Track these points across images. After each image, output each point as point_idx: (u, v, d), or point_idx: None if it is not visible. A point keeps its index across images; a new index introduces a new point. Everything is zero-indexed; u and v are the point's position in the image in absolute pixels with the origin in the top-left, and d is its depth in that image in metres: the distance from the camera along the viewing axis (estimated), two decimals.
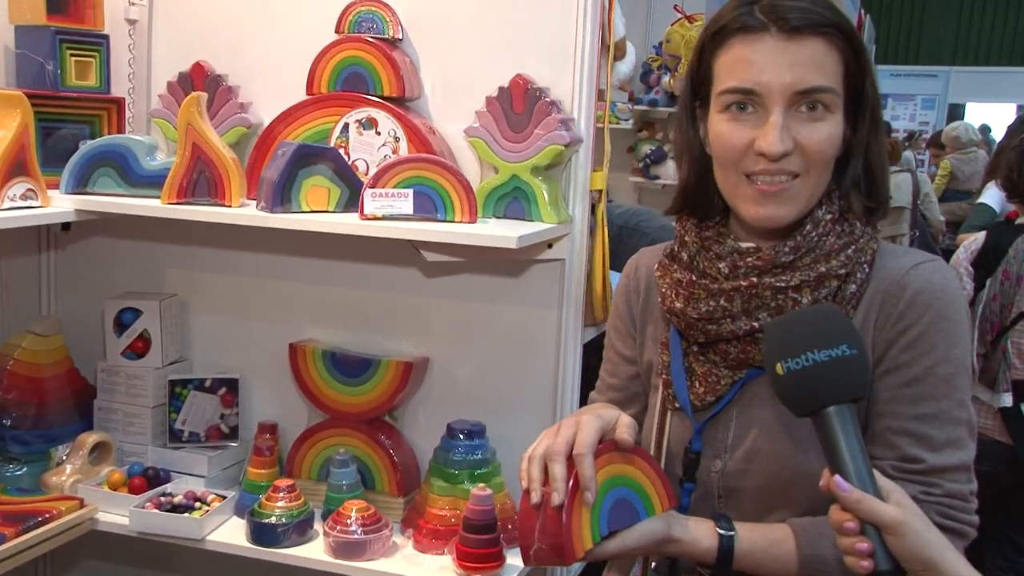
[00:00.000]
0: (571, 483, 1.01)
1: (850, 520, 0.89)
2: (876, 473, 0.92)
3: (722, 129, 1.10)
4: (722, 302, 1.11)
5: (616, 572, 1.36)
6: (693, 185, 1.19)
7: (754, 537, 1.07)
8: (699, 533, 1.07)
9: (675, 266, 1.19)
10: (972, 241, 2.76)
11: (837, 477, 0.90)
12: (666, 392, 1.20)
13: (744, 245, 1.15)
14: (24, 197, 1.66)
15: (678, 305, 1.16)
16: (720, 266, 1.14)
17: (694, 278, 1.15)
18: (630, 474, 1.07)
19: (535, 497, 1.02)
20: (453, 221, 1.65)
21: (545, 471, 1.04)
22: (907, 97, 12.29)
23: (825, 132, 1.07)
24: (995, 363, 2.59)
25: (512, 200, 1.74)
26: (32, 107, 1.75)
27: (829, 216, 1.11)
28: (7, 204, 1.62)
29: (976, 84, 12.29)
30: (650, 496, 1.08)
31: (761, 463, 1.12)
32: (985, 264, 2.67)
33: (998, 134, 7.18)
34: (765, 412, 1.13)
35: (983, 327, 2.61)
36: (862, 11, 7.93)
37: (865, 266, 1.11)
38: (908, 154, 6.11)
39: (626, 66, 3.48)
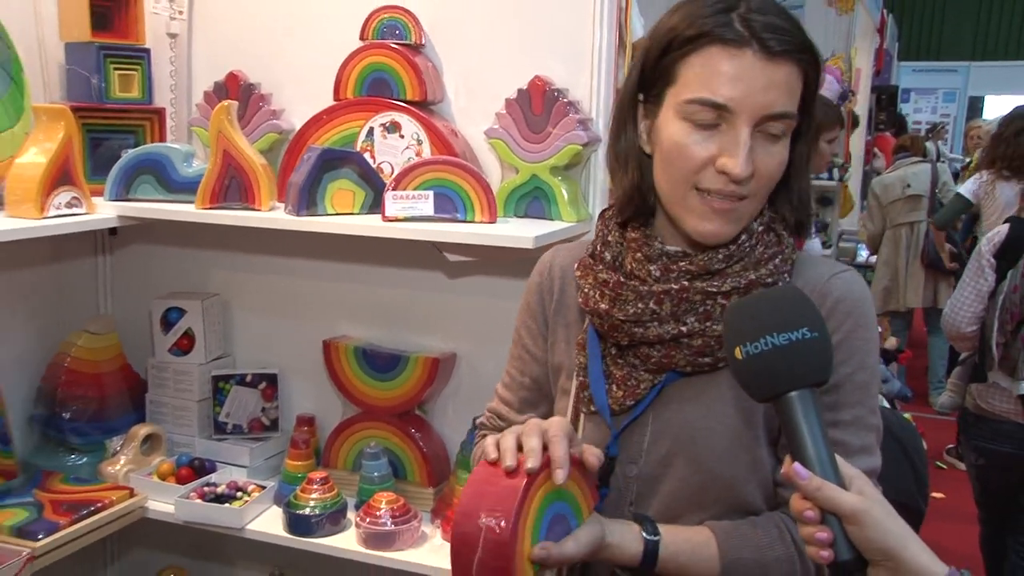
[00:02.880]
0: (516, 511, 0.87)
1: (810, 509, 0.78)
2: (840, 459, 0.81)
3: (681, 139, 0.96)
4: (651, 304, 1.00)
5: None
6: (640, 188, 1.05)
7: (678, 541, 0.99)
8: (625, 538, 0.98)
9: (600, 266, 1.07)
10: (995, 233, 2.62)
11: (796, 465, 0.79)
12: (580, 395, 1.09)
13: (671, 249, 1.04)
14: (69, 205, 1.62)
15: (603, 306, 1.04)
16: (651, 268, 1.03)
17: (621, 279, 1.03)
18: (566, 486, 0.93)
19: (509, 461, 0.89)
20: (473, 221, 1.55)
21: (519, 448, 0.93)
22: (929, 91, 12.11)
23: (779, 158, 0.98)
24: (1015, 352, 2.47)
25: (532, 200, 1.64)
26: (80, 119, 1.73)
27: (760, 228, 1.03)
28: (53, 212, 1.58)
29: (995, 78, 12.02)
30: (578, 502, 0.97)
31: (676, 468, 1.03)
32: (1007, 256, 2.54)
33: None
34: (681, 417, 1.03)
35: (1003, 317, 2.49)
36: (885, 10, 7.66)
37: (786, 275, 1.03)
38: (929, 145, 5.87)
39: None
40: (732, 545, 0.99)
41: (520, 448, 0.91)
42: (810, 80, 0.98)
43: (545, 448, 0.91)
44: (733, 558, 0.99)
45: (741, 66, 0.92)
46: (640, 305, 1.01)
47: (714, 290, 0.99)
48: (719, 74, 0.93)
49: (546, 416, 1.13)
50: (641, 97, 1.03)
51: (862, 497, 0.78)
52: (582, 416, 1.09)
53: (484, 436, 1.24)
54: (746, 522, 1.01)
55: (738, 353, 0.83)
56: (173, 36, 1.90)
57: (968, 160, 6.73)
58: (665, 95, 0.98)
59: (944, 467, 4.48)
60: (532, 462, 0.89)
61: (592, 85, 1.62)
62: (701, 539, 1.00)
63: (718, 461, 1.01)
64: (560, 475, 0.89)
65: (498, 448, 0.91)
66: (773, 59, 0.93)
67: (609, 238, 1.08)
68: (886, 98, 6.68)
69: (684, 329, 1.00)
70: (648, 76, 1.01)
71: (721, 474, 1.01)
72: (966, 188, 4.28)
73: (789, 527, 1.00)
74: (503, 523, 0.86)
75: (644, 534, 0.98)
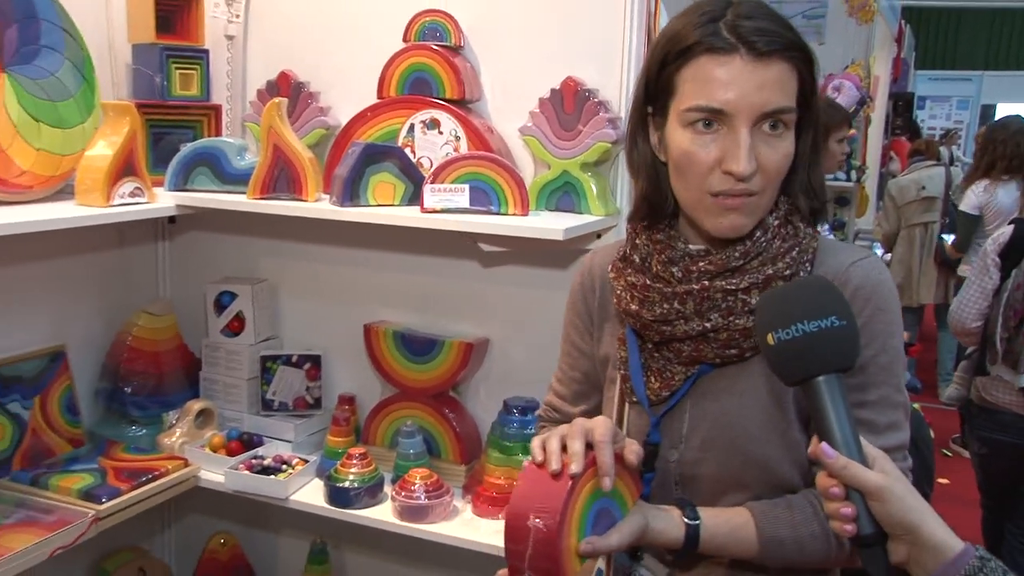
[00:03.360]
0: (562, 512, 0.87)
1: (836, 486, 0.79)
2: (863, 441, 0.81)
3: (688, 146, 0.95)
4: (676, 305, 0.99)
5: None
6: (651, 195, 1.04)
7: (718, 523, 0.98)
8: (668, 523, 0.97)
9: (629, 269, 1.06)
10: (1000, 234, 2.57)
11: (823, 444, 0.79)
12: (624, 386, 1.08)
13: (693, 248, 1.02)
14: (132, 195, 1.61)
15: (633, 307, 1.03)
16: (673, 270, 1.01)
17: (648, 282, 1.02)
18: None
19: (555, 465, 0.89)
20: (507, 214, 1.51)
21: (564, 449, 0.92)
22: (943, 99, 12.05)
23: (783, 151, 0.95)
24: (1018, 346, 2.42)
25: (563, 194, 1.59)
26: (144, 115, 1.72)
27: (776, 222, 1.00)
28: (117, 200, 1.57)
29: (1006, 86, 12.00)
30: (623, 495, 0.95)
31: (715, 452, 1.02)
32: (1011, 256, 2.48)
33: None
34: (717, 405, 1.02)
35: (1007, 313, 2.44)
36: (903, 21, 7.47)
37: (807, 264, 1.00)
38: (943, 149, 5.72)
39: None
40: (769, 524, 0.98)
41: (565, 449, 0.90)
42: (804, 75, 0.96)
43: (590, 447, 0.90)
44: (770, 536, 0.97)
45: (732, 71, 0.91)
46: (666, 306, 1.00)
47: (733, 287, 0.97)
48: (712, 81, 0.92)
49: (597, 406, 1.12)
50: (650, 110, 1.02)
51: (884, 475, 0.78)
52: (627, 405, 1.08)
53: (543, 428, 1.24)
54: (782, 501, 0.99)
55: (770, 339, 0.82)
56: (230, 38, 1.88)
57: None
58: (669, 106, 0.98)
59: (950, 455, 4.38)
60: (576, 467, 0.88)
61: (621, 86, 1.57)
62: (740, 520, 0.99)
63: (754, 444, 1.00)
64: (607, 483, 0.89)
65: (545, 450, 0.91)
66: (762, 60, 0.91)
67: (637, 241, 1.06)
68: (902, 104, 6.53)
69: (709, 325, 0.98)
70: (652, 90, 1.00)
71: (757, 456, 1.00)
72: (969, 204, 4.11)
73: (822, 504, 0.97)
74: (550, 523, 0.87)
75: (685, 519, 0.98)
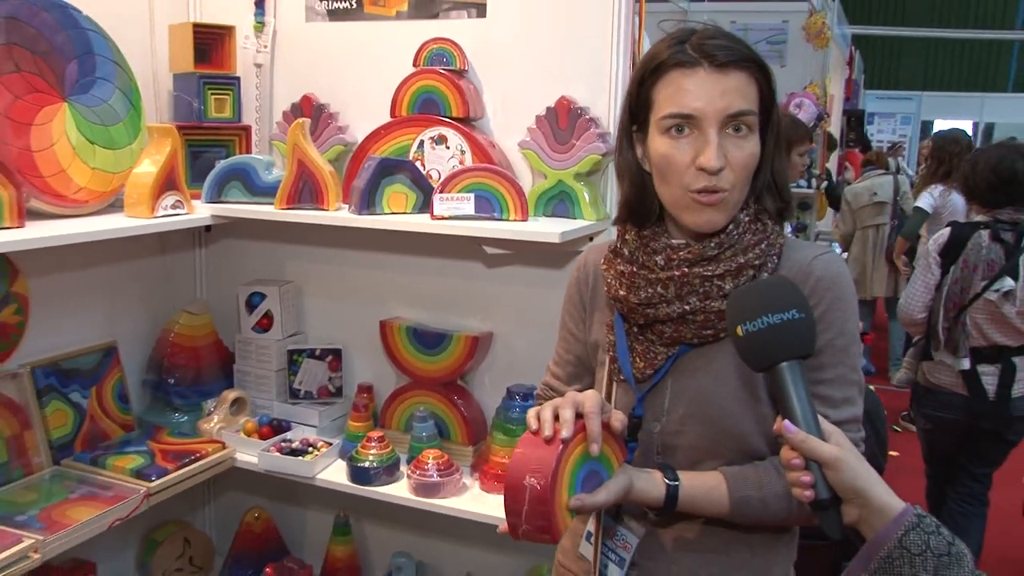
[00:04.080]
0: (553, 474, 0.88)
1: (796, 457, 0.81)
2: (820, 418, 0.83)
3: (665, 150, 0.97)
4: (659, 289, 1.01)
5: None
6: (635, 198, 1.05)
7: (695, 484, 0.99)
8: (651, 484, 0.99)
9: (618, 260, 1.07)
10: (940, 235, 2.56)
11: (786, 422, 0.81)
12: (611, 366, 1.08)
13: (676, 242, 1.04)
14: (174, 207, 1.59)
15: (621, 292, 1.04)
16: (657, 259, 1.03)
17: (635, 269, 1.04)
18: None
19: (547, 431, 0.90)
20: (508, 220, 1.49)
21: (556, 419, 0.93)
22: (889, 115, 12.24)
23: (749, 150, 0.97)
24: (956, 334, 2.44)
25: (559, 202, 1.57)
26: (183, 135, 1.71)
27: (747, 218, 1.01)
28: (161, 212, 1.56)
29: (942, 105, 12.38)
30: (609, 459, 0.96)
31: (693, 425, 1.02)
32: (950, 254, 2.49)
33: None
34: (695, 382, 1.02)
35: (947, 305, 2.45)
36: (853, 47, 7.45)
37: (775, 257, 1.01)
38: (891, 160, 5.70)
39: None
40: (739, 486, 0.99)
41: (557, 418, 0.92)
42: (762, 84, 0.98)
43: (579, 417, 0.92)
44: (740, 496, 0.99)
45: (697, 81, 0.94)
46: (650, 290, 1.01)
47: (709, 274, 0.98)
48: (681, 91, 0.95)
49: (588, 387, 1.12)
50: (634, 128, 1.03)
51: (839, 448, 0.80)
52: (614, 384, 1.08)
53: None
54: (750, 467, 1.00)
55: (739, 331, 0.84)
56: (258, 66, 1.85)
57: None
58: (649, 120, 0.99)
59: (899, 430, 4.36)
60: (566, 432, 0.91)
61: (610, 104, 1.54)
62: (714, 482, 1.00)
63: (728, 417, 1.00)
64: (595, 448, 0.91)
65: (539, 419, 0.92)
66: (723, 70, 0.94)
67: (627, 237, 1.07)
68: (855, 120, 6.51)
69: (688, 308, 0.99)
70: (634, 108, 1.02)
71: (731, 428, 1.00)
72: (925, 202, 4.11)
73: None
74: (543, 482, 0.88)
75: (666, 480, 0.99)
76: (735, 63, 0.95)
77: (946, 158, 3.98)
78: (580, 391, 0.96)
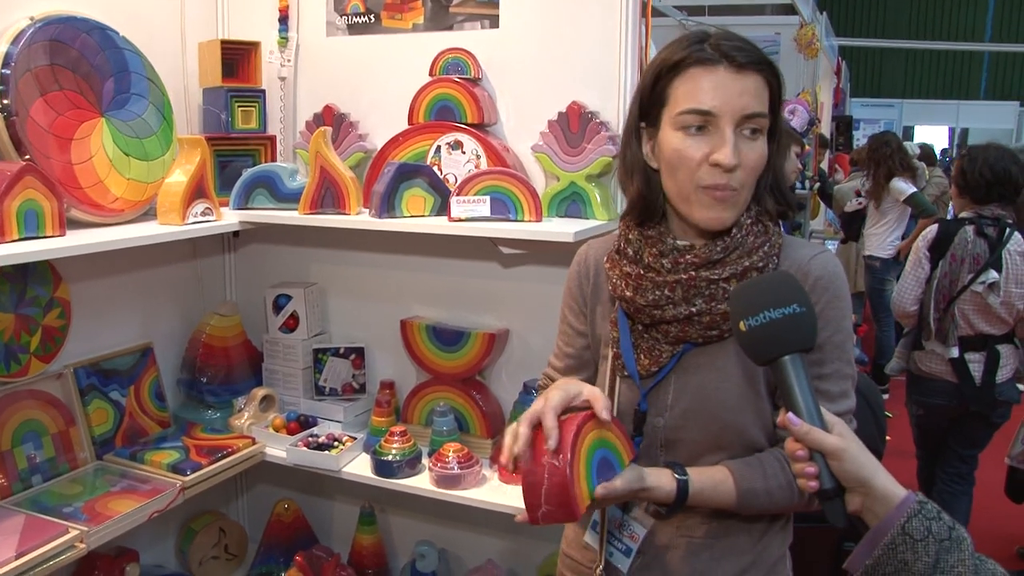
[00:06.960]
0: (571, 450, 0.85)
1: (800, 449, 0.78)
2: (823, 409, 0.79)
3: (679, 145, 0.93)
4: (666, 292, 0.96)
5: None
6: (644, 194, 1.00)
7: (703, 479, 0.96)
8: (661, 480, 0.95)
9: (624, 261, 1.02)
10: (929, 231, 2.56)
11: (790, 414, 0.78)
12: (615, 362, 1.03)
13: (680, 243, 0.99)
14: (203, 213, 1.55)
15: (628, 294, 0.99)
16: (663, 262, 0.98)
17: (641, 272, 0.99)
18: (607, 436, 0.92)
19: (520, 448, 0.86)
20: (523, 221, 1.43)
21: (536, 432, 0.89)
22: (873, 121, 12.22)
23: (760, 151, 0.93)
24: (946, 324, 2.43)
25: (571, 203, 1.52)
26: (212, 146, 1.68)
27: (749, 220, 0.97)
28: (191, 219, 1.53)
29: (921, 112, 12.46)
30: (620, 452, 0.93)
31: (696, 419, 0.99)
32: (938, 249, 2.47)
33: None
34: (698, 379, 0.98)
35: (937, 297, 2.44)
36: (840, 57, 7.35)
37: (775, 258, 0.97)
38: None
39: None
40: (745, 478, 0.96)
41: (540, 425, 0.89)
42: (773, 87, 0.94)
43: (578, 409, 0.90)
44: (747, 488, 0.96)
45: (717, 79, 0.90)
46: (657, 293, 0.97)
47: (716, 277, 0.95)
48: (701, 87, 0.91)
49: (587, 379, 1.07)
50: (643, 124, 0.99)
51: (842, 438, 0.77)
52: (618, 378, 1.03)
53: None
54: (753, 459, 0.97)
55: (742, 326, 0.80)
56: (282, 79, 1.81)
57: None
58: (662, 116, 0.95)
59: (891, 416, 4.29)
60: (552, 443, 0.86)
61: (619, 108, 1.49)
62: (721, 476, 0.97)
63: (729, 412, 0.97)
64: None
65: (535, 420, 0.89)
66: (741, 70, 0.90)
67: (630, 236, 1.02)
68: (843, 125, 6.44)
69: (694, 310, 0.95)
70: (645, 104, 0.97)
71: (732, 422, 0.97)
72: (908, 186, 4.12)
73: (787, 460, 0.93)
74: (562, 459, 0.85)
75: (676, 475, 0.95)
76: (752, 65, 0.91)
77: (883, 159, 4.03)
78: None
